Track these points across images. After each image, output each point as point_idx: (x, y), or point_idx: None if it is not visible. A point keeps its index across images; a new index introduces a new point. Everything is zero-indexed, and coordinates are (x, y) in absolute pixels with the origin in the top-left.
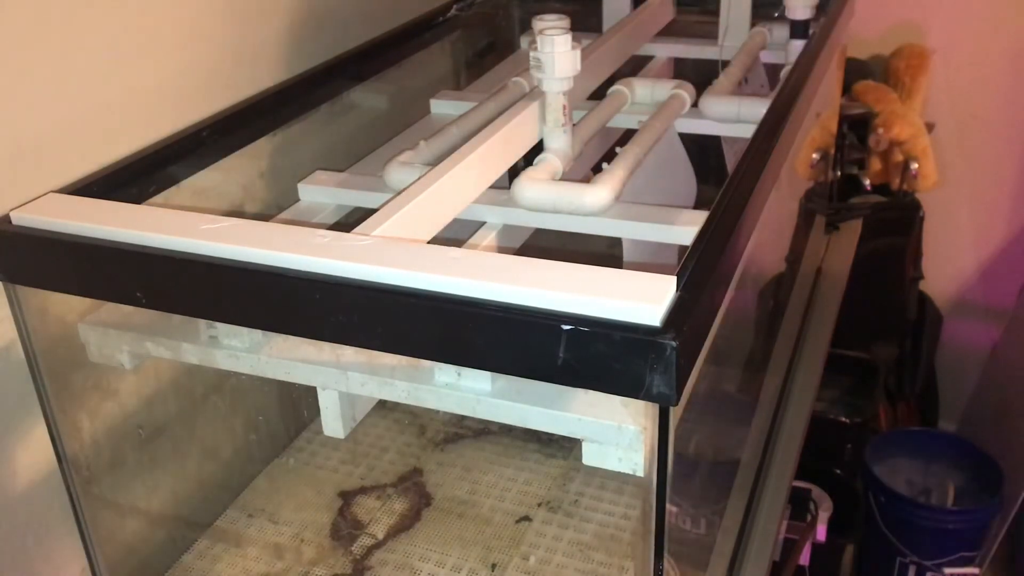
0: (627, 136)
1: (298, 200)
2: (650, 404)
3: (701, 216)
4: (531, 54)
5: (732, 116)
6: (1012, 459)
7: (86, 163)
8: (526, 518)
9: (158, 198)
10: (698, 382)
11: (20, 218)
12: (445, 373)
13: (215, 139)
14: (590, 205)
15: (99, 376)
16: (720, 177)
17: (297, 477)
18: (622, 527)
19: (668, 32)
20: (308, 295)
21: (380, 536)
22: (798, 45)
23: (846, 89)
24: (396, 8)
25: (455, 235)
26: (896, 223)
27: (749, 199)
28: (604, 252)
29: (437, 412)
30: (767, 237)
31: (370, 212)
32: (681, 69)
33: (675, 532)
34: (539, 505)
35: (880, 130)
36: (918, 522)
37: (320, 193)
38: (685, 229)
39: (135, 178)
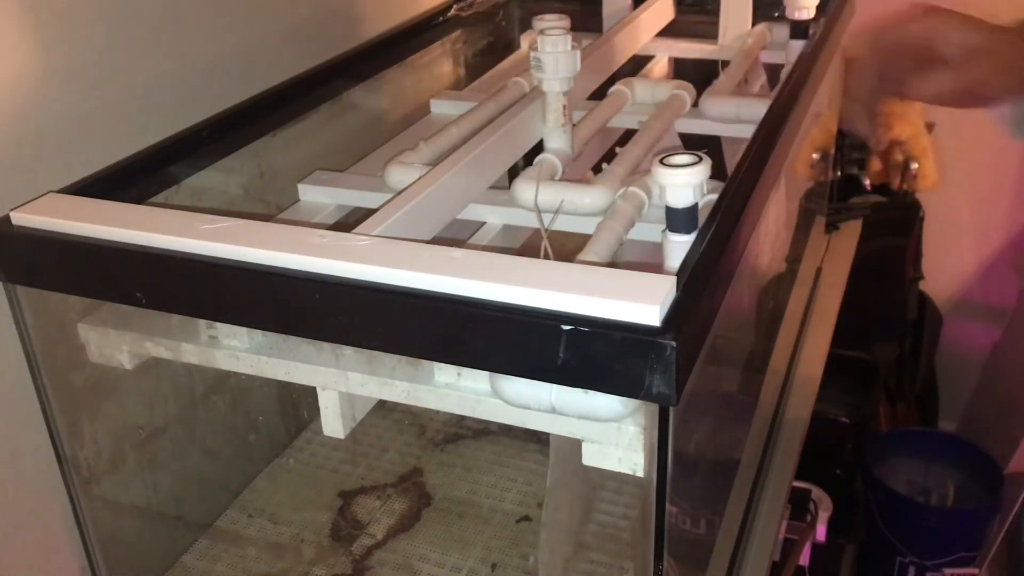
0: (627, 136)
1: (298, 200)
2: (650, 404)
3: (701, 216)
4: (531, 54)
5: (732, 116)
6: (1012, 459)
7: (86, 163)
8: (526, 518)
9: (158, 198)
10: (698, 382)
11: (20, 218)
12: (445, 373)
13: (215, 139)
14: (590, 205)
15: (99, 376)
16: (720, 177)
17: (297, 477)
18: (622, 527)
19: (668, 32)
20: (308, 295)
21: (380, 536)
22: (798, 45)
23: None
24: (396, 8)
25: (455, 235)
26: (896, 223)
27: (749, 199)
28: None
29: (437, 412)
30: (767, 237)
31: (370, 212)
32: (681, 69)
33: (675, 532)
34: (539, 505)
35: (880, 130)
36: (918, 522)
37: (320, 193)
38: None
39: (135, 178)
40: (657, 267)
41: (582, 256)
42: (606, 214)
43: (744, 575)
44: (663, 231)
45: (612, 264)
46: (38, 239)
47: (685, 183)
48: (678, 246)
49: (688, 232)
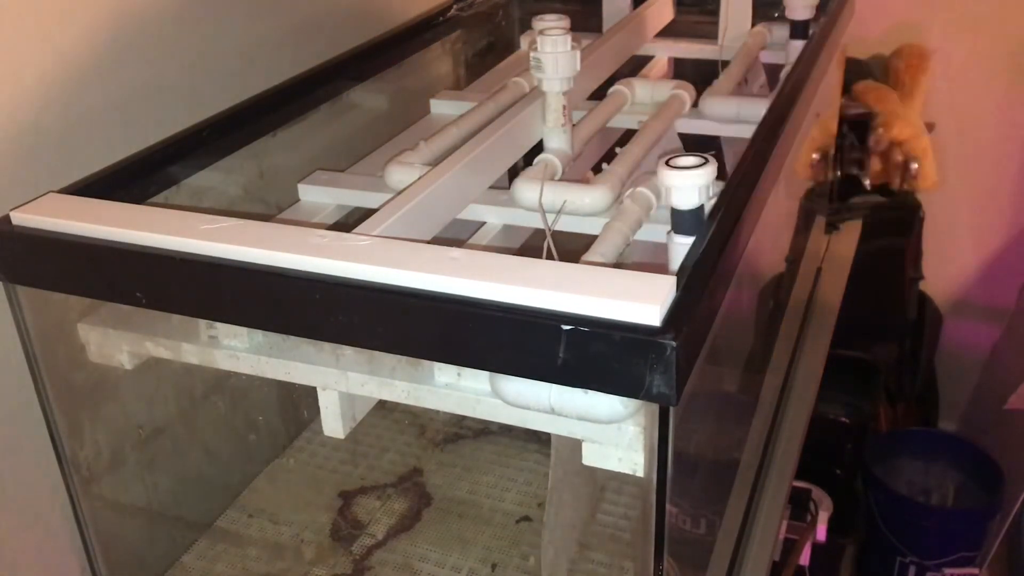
0: (627, 136)
1: (298, 200)
2: (650, 404)
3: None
4: (531, 54)
5: (732, 116)
6: (1012, 459)
7: (86, 163)
8: (526, 518)
9: (158, 198)
10: (698, 382)
11: (20, 218)
12: (445, 373)
13: (215, 139)
14: (590, 205)
15: (99, 376)
16: (720, 177)
17: (297, 477)
18: (622, 527)
19: (668, 32)
20: (308, 295)
21: (380, 536)
22: (798, 45)
23: (846, 89)
24: (396, 8)
25: (455, 235)
26: (896, 223)
27: (749, 199)
28: None
29: (437, 412)
30: (767, 237)
31: (370, 212)
32: (681, 69)
33: (675, 532)
34: (539, 505)
35: (880, 130)
36: (918, 522)
37: (320, 193)
38: None
39: (135, 178)
40: (663, 268)
41: (588, 256)
42: (614, 214)
43: (744, 575)
44: (668, 232)
45: (618, 264)
46: (38, 239)
47: (690, 185)
48: (682, 248)
49: (693, 234)
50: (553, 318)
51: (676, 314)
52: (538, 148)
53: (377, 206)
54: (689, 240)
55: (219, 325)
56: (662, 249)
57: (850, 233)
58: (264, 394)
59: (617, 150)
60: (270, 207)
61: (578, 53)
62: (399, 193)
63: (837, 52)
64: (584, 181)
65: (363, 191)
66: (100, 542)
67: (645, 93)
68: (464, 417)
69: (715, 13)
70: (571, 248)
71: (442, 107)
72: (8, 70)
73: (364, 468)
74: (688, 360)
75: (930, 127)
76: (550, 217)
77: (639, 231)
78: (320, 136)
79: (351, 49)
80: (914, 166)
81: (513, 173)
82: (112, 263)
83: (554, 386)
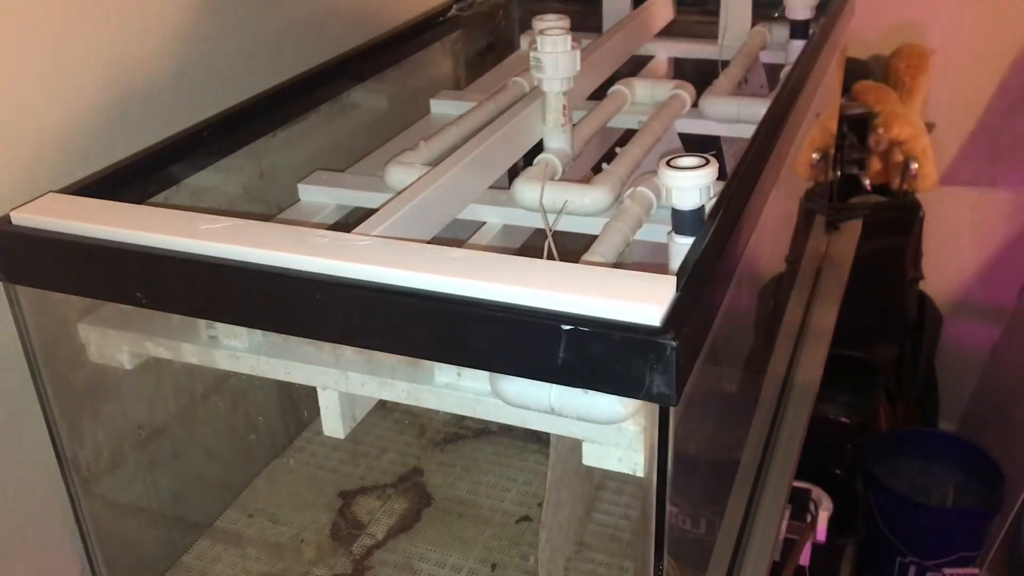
0: (627, 136)
1: (298, 200)
2: (650, 404)
3: None
4: (531, 54)
5: (732, 116)
6: (1012, 459)
7: (86, 163)
8: (526, 518)
9: (158, 198)
10: (698, 382)
11: (20, 218)
12: (445, 373)
13: (215, 139)
14: (590, 205)
15: (99, 376)
16: (720, 177)
17: (297, 477)
18: (622, 527)
19: (668, 32)
20: (308, 295)
21: (380, 536)
22: (798, 45)
23: (846, 89)
24: (396, 8)
25: (455, 235)
26: (896, 223)
27: (749, 199)
28: None
29: (437, 412)
30: (767, 237)
31: (370, 212)
32: (681, 69)
33: (675, 532)
34: (539, 505)
35: (880, 130)
36: (918, 522)
37: (320, 193)
38: None
39: (135, 178)
40: (663, 268)
41: (588, 256)
42: (614, 214)
43: (744, 575)
44: (668, 232)
45: (618, 264)
46: (38, 239)
47: (692, 186)
48: (683, 248)
49: (693, 234)
50: (553, 318)
51: (676, 314)
52: (538, 148)
53: (377, 206)
54: (689, 240)
55: (219, 325)
56: (662, 249)
57: (850, 233)
58: (264, 394)
59: (617, 150)
60: (270, 207)
61: (578, 53)
62: (399, 193)
63: (837, 52)
64: (584, 181)
65: (363, 191)
66: (100, 542)
67: (645, 93)
68: (464, 417)
69: (715, 13)
70: (571, 248)
71: (442, 107)
72: (9, 70)
73: (364, 468)
74: (688, 360)
75: (930, 127)
76: (550, 217)
77: (639, 231)
78: (320, 136)
79: (351, 49)
80: (914, 166)
81: (513, 173)
82: (112, 263)
83: (554, 386)
